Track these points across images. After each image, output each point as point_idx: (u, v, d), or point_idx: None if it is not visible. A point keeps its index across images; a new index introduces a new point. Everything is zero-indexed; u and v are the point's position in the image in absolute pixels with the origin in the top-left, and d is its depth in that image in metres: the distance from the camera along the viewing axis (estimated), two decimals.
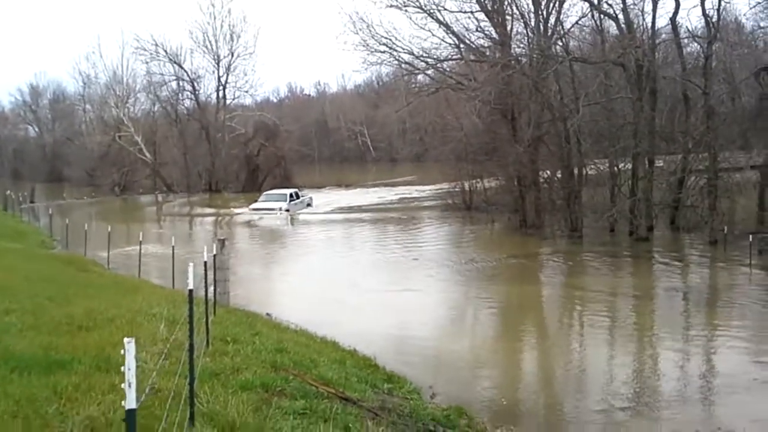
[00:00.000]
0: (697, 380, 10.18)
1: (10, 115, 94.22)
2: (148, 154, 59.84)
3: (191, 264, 5.06)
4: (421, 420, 7.25)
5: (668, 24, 25.95)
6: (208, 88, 60.97)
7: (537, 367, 11.61)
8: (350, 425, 5.99)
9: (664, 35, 27.19)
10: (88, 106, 73.38)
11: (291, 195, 38.66)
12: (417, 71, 31.13)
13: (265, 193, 41.08)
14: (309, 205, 39.47)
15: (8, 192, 42.80)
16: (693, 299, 16.33)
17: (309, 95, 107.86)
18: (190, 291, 4.99)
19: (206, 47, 58.71)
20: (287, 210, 36.18)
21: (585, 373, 10.75)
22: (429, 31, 28.52)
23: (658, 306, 15.77)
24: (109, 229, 21.95)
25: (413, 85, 33.52)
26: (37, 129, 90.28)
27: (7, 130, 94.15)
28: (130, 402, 2.79)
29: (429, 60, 29.58)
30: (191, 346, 5.06)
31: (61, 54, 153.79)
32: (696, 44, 27.81)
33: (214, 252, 11.97)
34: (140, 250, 19.41)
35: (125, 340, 2.74)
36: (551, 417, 9.01)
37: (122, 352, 2.67)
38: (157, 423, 4.85)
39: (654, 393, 9.55)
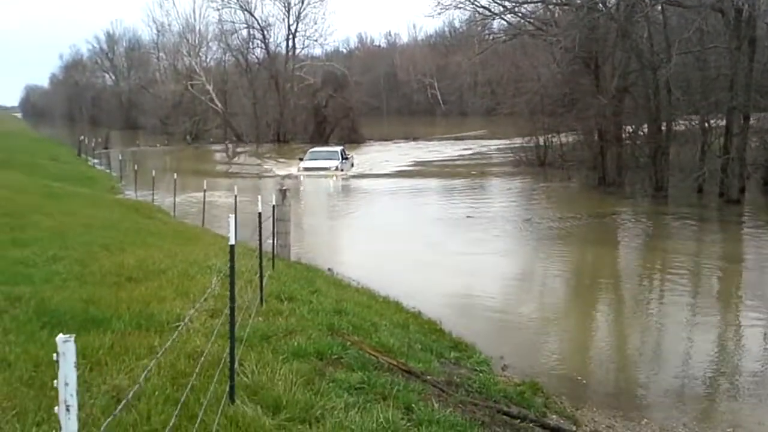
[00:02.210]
0: None
1: (88, 63, 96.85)
2: (218, 104, 60.27)
3: (231, 216, 4.33)
4: (492, 397, 6.44)
5: None
6: (278, 36, 60.63)
7: (614, 339, 10.59)
8: (413, 405, 5.22)
9: None
10: (162, 55, 74.41)
11: (340, 153, 35.63)
12: (494, 15, 29.40)
13: (310, 150, 37.18)
14: (352, 165, 36.14)
15: (82, 137, 43.77)
16: None
17: (379, 46, 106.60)
18: (232, 247, 4.28)
19: None
20: (342, 169, 33.50)
21: (665, 348, 9.74)
22: None
23: (747, 275, 14.36)
24: (176, 176, 21.81)
25: (487, 33, 31.77)
26: (113, 77, 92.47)
27: (85, 77, 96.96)
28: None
29: (507, 3, 27.89)
30: (232, 310, 4.38)
31: (137, 1, 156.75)
32: None
33: (275, 203, 11.36)
34: (204, 198, 19.17)
35: (60, 338, 1.87)
36: (630, 397, 8.06)
37: (54, 356, 1.87)
38: (194, 397, 4.23)
39: (737, 369, 8.59)
